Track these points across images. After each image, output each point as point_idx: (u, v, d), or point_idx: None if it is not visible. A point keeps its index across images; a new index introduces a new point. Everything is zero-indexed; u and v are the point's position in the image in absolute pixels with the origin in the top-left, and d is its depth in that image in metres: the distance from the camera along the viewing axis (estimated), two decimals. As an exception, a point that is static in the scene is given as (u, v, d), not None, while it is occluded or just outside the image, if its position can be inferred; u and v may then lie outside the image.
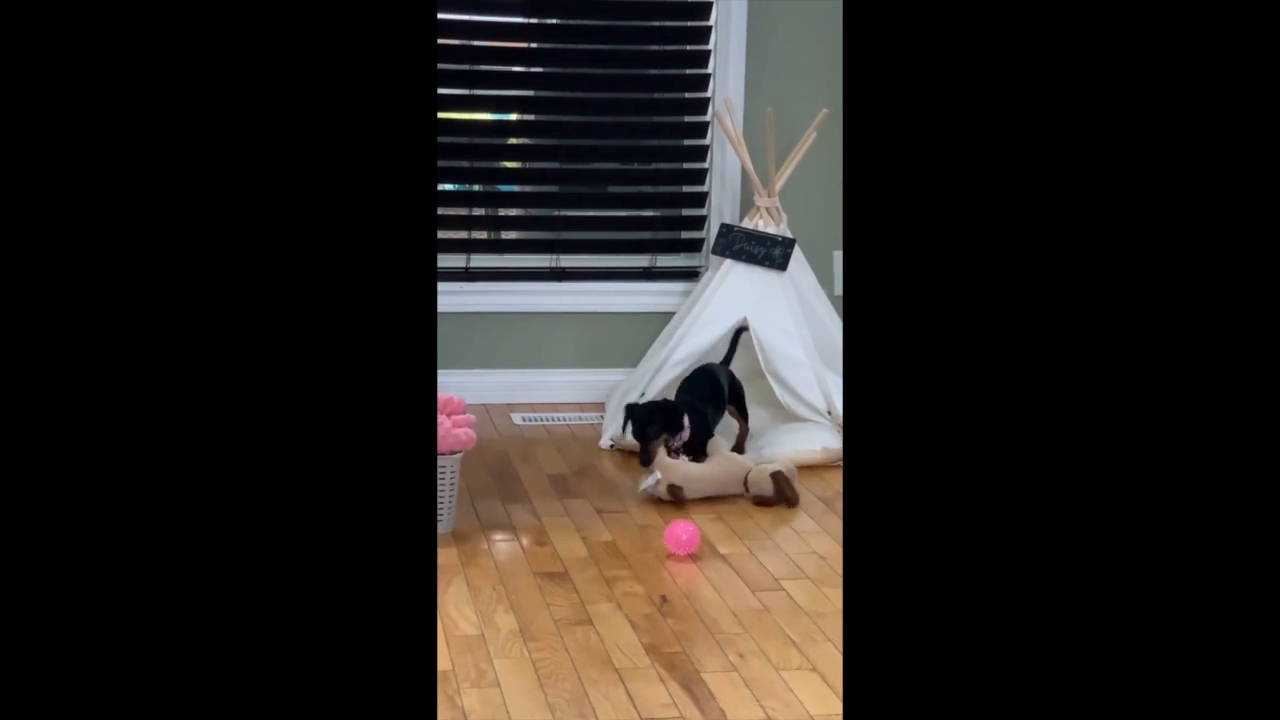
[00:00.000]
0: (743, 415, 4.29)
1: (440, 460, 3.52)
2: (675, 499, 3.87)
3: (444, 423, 3.55)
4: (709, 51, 4.74)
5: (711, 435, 4.08)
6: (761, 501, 3.91)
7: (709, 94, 4.75)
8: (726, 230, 4.51)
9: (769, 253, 4.41)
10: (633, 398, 4.27)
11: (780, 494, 3.91)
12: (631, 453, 4.19)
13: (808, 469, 4.11)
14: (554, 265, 4.83)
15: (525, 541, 3.60)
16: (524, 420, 4.64)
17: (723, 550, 3.57)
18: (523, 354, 4.79)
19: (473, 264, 4.75)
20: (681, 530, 3.53)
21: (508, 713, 2.71)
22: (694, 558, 3.50)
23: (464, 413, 3.64)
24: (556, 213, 4.85)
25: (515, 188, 4.93)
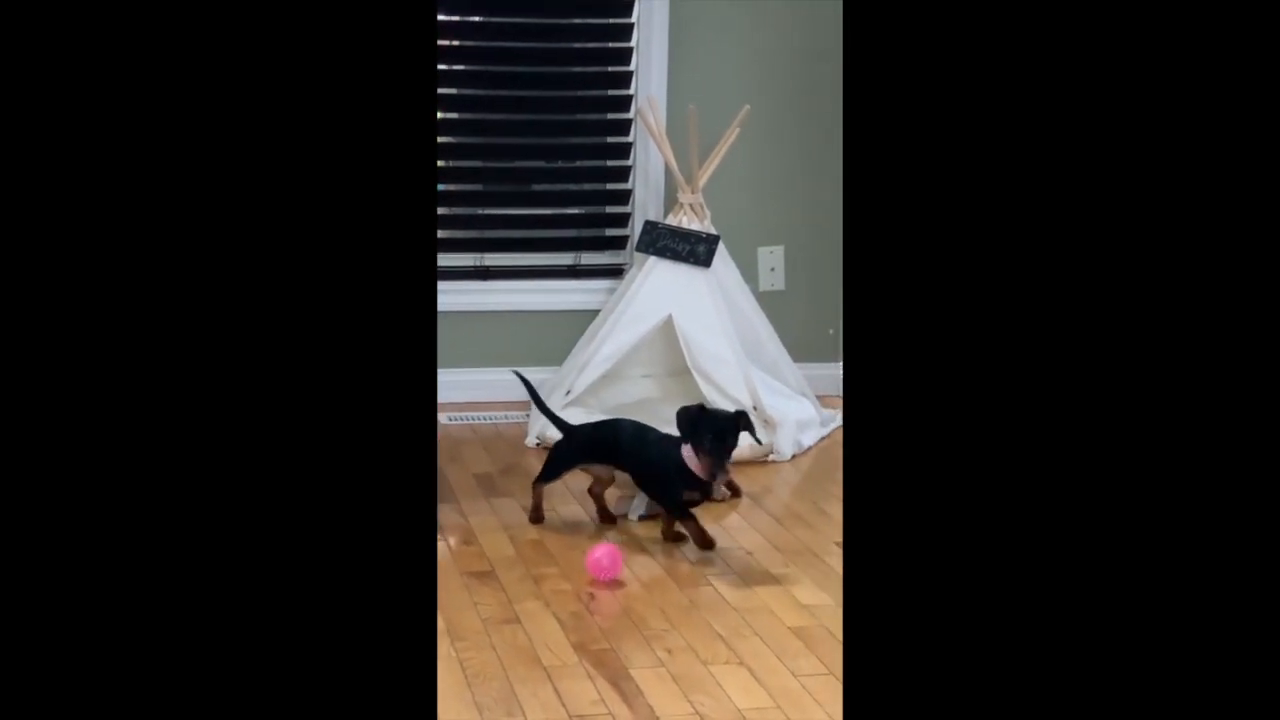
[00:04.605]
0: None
1: (365, 460, 3.49)
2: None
3: (368, 423, 3.53)
4: (631, 49, 4.74)
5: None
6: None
7: (632, 91, 4.75)
8: (650, 227, 4.51)
9: (693, 249, 4.42)
10: (557, 398, 4.26)
11: (728, 485, 3.93)
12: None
13: (735, 465, 4.11)
14: (478, 264, 4.81)
15: (452, 541, 3.59)
16: (450, 420, 4.62)
17: (649, 547, 3.57)
18: (448, 353, 4.75)
19: (396, 263, 4.73)
20: (603, 554, 3.33)
21: (435, 713, 2.70)
22: (619, 582, 3.34)
23: (388, 412, 3.62)
24: (480, 211, 4.84)
25: (439, 186, 4.91)
